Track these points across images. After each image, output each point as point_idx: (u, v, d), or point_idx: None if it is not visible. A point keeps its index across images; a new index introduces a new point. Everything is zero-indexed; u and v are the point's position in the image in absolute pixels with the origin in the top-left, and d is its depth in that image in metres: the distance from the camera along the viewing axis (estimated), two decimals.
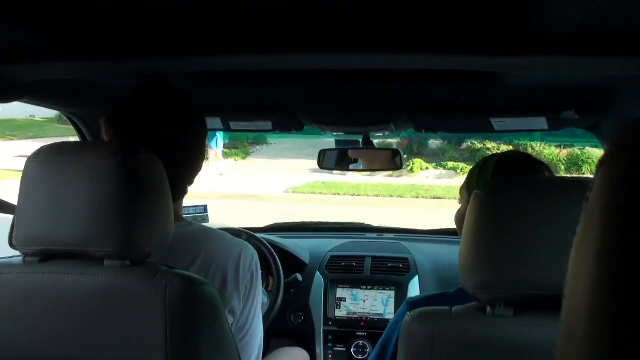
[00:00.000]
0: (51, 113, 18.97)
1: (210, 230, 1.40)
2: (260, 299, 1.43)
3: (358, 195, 13.16)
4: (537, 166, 1.41)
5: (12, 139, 18.51)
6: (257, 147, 19.13)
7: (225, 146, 17.78)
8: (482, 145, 15.51)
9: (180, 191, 1.38)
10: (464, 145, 16.59)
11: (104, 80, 1.57)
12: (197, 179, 1.43)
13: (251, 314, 1.38)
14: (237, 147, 18.46)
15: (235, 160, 17.60)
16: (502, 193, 1.03)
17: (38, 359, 1.08)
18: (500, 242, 1.01)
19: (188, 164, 1.38)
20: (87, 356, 1.06)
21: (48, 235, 1.07)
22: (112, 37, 1.22)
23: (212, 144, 14.91)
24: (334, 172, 14.92)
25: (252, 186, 13.43)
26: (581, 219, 0.38)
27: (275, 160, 16.74)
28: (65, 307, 1.07)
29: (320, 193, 13.20)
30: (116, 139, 1.34)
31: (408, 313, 1.09)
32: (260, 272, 1.41)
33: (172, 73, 1.53)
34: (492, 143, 15.08)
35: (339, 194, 13.17)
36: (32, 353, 1.08)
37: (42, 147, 1.13)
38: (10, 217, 1.96)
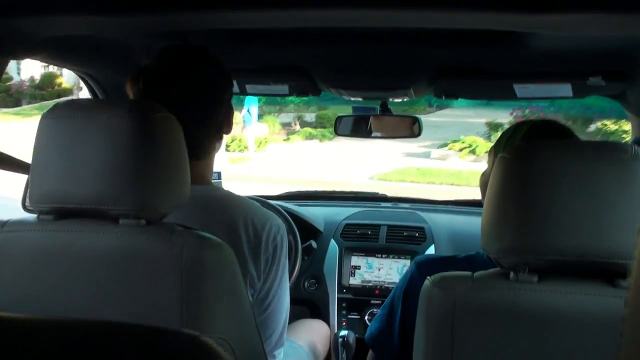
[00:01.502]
0: None
1: (239, 198, 1.38)
2: (286, 274, 1.40)
3: (459, 185, 10.75)
4: (568, 136, 1.37)
5: None
6: None
7: (310, 124, 16.99)
8: (617, 127, 12.74)
9: (203, 150, 1.35)
10: (593, 127, 13.77)
11: (121, 38, 1.54)
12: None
13: (273, 288, 1.36)
14: (324, 126, 16.46)
15: (321, 141, 15.89)
16: (528, 156, 0.99)
17: (51, 314, 1.07)
18: (525, 206, 0.98)
19: (210, 121, 1.36)
20: (100, 315, 1.05)
21: (63, 192, 1.06)
22: None
23: (245, 118, 14.46)
24: (432, 157, 13.18)
25: (331, 171, 11.79)
26: None
27: (366, 142, 14.45)
28: (80, 265, 1.06)
29: (411, 181, 11.10)
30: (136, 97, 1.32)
31: (428, 278, 1.07)
32: (286, 245, 1.38)
33: (189, 32, 1.50)
34: (628, 124, 13.46)
35: (434, 183, 11.05)
36: (45, 311, 1.07)
37: (58, 103, 1.11)
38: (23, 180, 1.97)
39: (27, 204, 2.05)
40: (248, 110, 14.46)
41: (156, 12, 1.23)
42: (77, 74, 1.94)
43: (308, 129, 16.71)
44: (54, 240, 1.08)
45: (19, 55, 1.43)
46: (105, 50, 1.73)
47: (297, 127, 17.18)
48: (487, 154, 1.51)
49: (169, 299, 1.02)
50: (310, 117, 17.85)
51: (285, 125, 17.38)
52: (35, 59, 1.54)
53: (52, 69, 22.41)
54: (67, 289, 1.07)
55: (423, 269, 1.33)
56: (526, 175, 0.98)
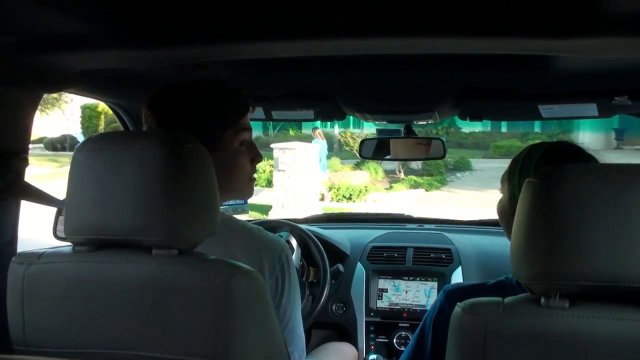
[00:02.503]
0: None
1: (241, 223, 1.39)
2: (297, 292, 1.40)
3: None
4: (585, 158, 1.36)
5: None
6: (458, 175, 16.80)
7: (416, 172, 16.20)
8: None
9: None
10: None
11: (150, 69, 1.57)
12: None
13: (289, 305, 1.36)
14: (431, 174, 15.89)
15: (427, 190, 15.07)
16: (557, 180, 0.99)
17: (86, 347, 1.08)
18: (556, 231, 0.97)
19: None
20: (135, 345, 1.06)
21: (97, 224, 1.08)
22: (158, 25, 1.22)
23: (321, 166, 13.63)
24: None
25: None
26: None
27: (478, 192, 13.29)
28: (114, 296, 1.07)
29: None
30: (155, 125, 1.36)
31: (458, 304, 1.06)
32: (292, 263, 1.38)
33: (216, 62, 1.53)
34: None
35: None
36: (79, 342, 1.08)
37: (90, 137, 1.13)
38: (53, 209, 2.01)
39: (57, 232, 2.09)
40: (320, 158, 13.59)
41: (182, 45, 1.26)
42: (109, 105, 1.98)
43: (413, 177, 16.04)
44: (88, 271, 1.09)
45: (53, 89, 1.47)
46: (135, 82, 1.77)
47: (402, 175, 16.33)
48: None
49: (202, 329, 1.03)
50: (417, 164, 16.73)
51: (389, 173, 16.67)
52: (69, 92, 1.58)
53: None
54: (101, 319, 1.08)
55: (452, 297, 1.33)
56: (555, 199, 0.98)
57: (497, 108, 2.03)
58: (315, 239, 2.37)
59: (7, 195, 1.44)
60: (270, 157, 12.22)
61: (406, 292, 2.49)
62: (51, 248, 1.18)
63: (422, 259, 2.55)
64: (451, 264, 2.50)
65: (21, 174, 1.45)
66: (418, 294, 2.48)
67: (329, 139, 18.64)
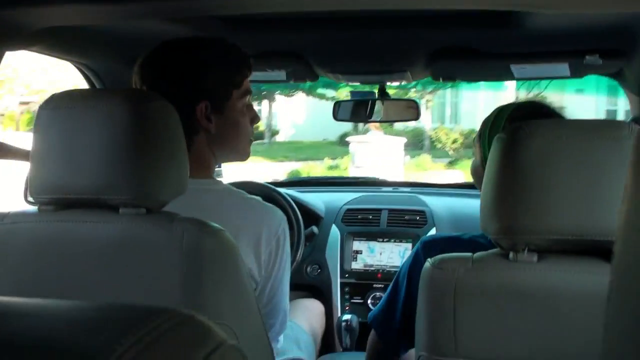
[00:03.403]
0: (330, 134, 17.70)
1: (237, 193, 1.36)
2: (288, 264, 1.40)
3: None
4: (554, 115, 1.36)
5: (282, 161, 16.45)
6: None
7: None
8: None
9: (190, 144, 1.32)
10: None
11: (116, 27, 1.54)
12: None
13: (277, 279, 1.36)
14: None
15: None
16: (525, 136, 0.99)
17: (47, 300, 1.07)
18: (523, 186, 0.98)
19: (190, 116, 1.32)
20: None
21: (62, 183, 1.06)
22: None
23: None
24: None
25: None
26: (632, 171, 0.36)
27: None
28: (81, 255, 1.06)
29: None
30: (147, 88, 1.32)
31: (428, 260, 1.07)
32: (287, 237, 1.37)
33: (183, 20, 1.50)
34: None
35: None
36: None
37: (54, 95, 1.11)
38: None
39: (27, 197, 2.06)
40: None
41: None
42: (74, 65, 1.93)
43: None
44: (54, 231, 1.08)
45: (15, 46, 1.42)
46: (101, 40, 1.73)
47: None
48: None
49: (170, 286, 1.02)
50: None
51: None
52: (32, 51, 1.54)
53: None
54: (68, 278, 1.07)
55: (428, 248, 1.34)
56: (523, 155, 0.98)
57: (470, 68, 2.02)
58: (291, 202, 2.36)
59: None
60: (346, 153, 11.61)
61: (380, 254, 2.51)
62: (16, 209, 1.16)
63: (397, 221, 2.57)
64: (425, 225, 2.52)
65: None
66: (392, 255, 2.50)
67: (418, 135, 17.96)
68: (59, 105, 1.08)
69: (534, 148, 0.98)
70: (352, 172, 10.71)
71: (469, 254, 1.05)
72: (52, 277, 1.07)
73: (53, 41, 1.56)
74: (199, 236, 1.03)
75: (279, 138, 21.93)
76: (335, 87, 11.31)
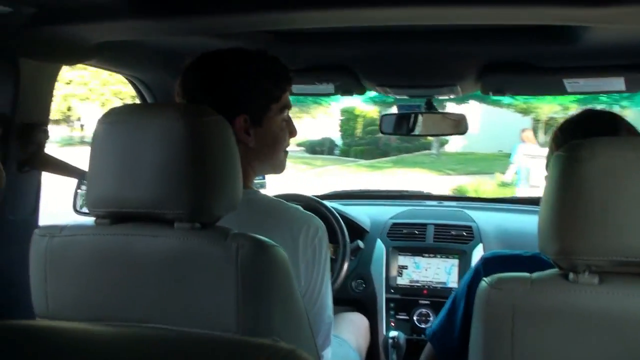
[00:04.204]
0: (506, 145, 15.56)
1: (277, 201, 1.36)
2: (328, 274, 1.38)
3: None
4: (623, 126, 1.32)
5: (449, 174, 15.82)
6: None
7: None
8: None
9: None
10: None
11: (167, 41, 1.56)
12: None
13: (316, 289, 1.34)
14: None
15: None
16: (586, 154, 0.96)
17: (108, 320, 1.08)
18: (585, 206, 0.95)
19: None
20: (157, 318, 1.06)
21: (119, 197, 1.07)
22: None
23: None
24: None
25: None
26: None
27: None
28: (136, 269, 1.07)
29: None
30: (185, 100, 1.33)
31: (484, 279, 1.05)
32: (325, 246, 1.36)
33: (236, 34, 1.51)
34: None
35: None
36: (102, 314, 1.08)
37: (112, 109, 1.12)
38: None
39: (77, 206, 2.10)
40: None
41: (202, 14, 1.25)
42: (126, 78, 1.97)
43: None
44: (110, 244, 1.09)
45: (71, 61, 1.46)
46: (153, 54, 1.75)
47: None
48: None
49: (225, 301, 1.02)
50: None
51: None
52: (87, 64, 1.57)
53: None
54: (123, 292, 1.08)
55: (489, 264, 1.33)
56: (583, 173, 0.95)
57: (521, 82, 1.99)
58: (336, 215, 2.35)
59: (29, 167, 1.44)
60: None
61: (426, 269, 2.48)
62: (73, 221, 1.18)
63: (443, 236, 2.54)
64: (472, 241, 2.48)
65: (42, 145, 1.45)
66: (438, 271, 2.46)
67: None
68: (116, 120, 1.09)
69: (594, 167, 0.95)
70: (525, 192, 8.74)
71: (528, 274, 1.02)
72: (108, 290, 1.08)
73: (107, 55, 1.59)
74: (253, 252, 1.03)
75: (448, 148, 21.31)
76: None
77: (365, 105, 18.53)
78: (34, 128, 1.41)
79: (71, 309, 1.10)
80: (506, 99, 12.11)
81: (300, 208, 1.36)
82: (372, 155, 20.76)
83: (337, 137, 23.59)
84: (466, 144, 20.36)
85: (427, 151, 20.44)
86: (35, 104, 1.42)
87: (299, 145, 22.53)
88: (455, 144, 21.05)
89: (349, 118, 22.82)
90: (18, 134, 1.39)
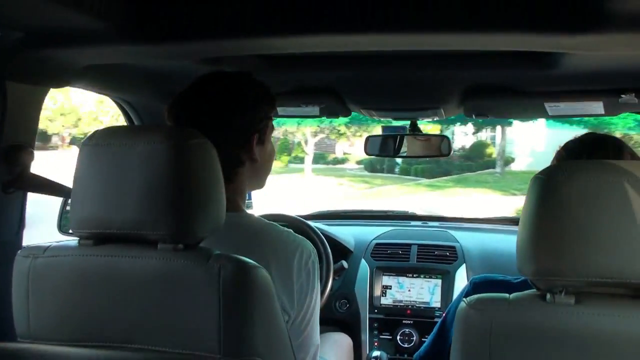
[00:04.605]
0: None
1: (268, 225, 1.38)
2: (318, 299, 1.40)
3: None
4: (627, 152, 1.33)
5: (514, 194, 15.35)
6: None
7: None
8: None
9: (229, 173, 1.33)
10: None
11: (156, 65, 1.58)
12: None
13: (309, 312, 1.36)
14: None
15: None
16: (562, 177, 0.99)
17: (91, 341, 1.08)
18: (560, 228, 0.97)
19: (228, 146, 1.33)
20: (140, 339, 1.06)
21: (102, 218, 1.08)
22: (164, 20, 1.22)
23: None
24: None
25: None
26: None
27: None
28: (119, 290, 1.07)
29: None
30: (174, 124, 1.35)
31: (464, 299, 1.07)
32: (317, 271, 1.38)
33: (222, 58, 1.53)
34: None
35: None
36: (85, 335, 1.08)
37: (95, 131, 1.13)
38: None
39: (61, 226, 2.10)
40: None
41: (191, 39, 1.26)
42: (113, 100, 1.98)
43: None
44: (93, 265, 1.09)
45: (59, 84, 1.47)
46: (140, 77, 1.77)
47: None
48: None
49: (208, 322, 1.03)
50: None
51: None
52: (76, 87, 1.58)
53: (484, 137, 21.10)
54: (106, 312, 1.08)
55: (478, 289, 1.33)
56: (561, 196, 0.98)
57: (503, 105, 2.03)
58: (320, 235, 2.36)
59: (15, 188, 1.44)
60: None
61: (410, 289, 2.49)
62: (57, 242, 1.18)
63: (426, 256, 2.55)
64: (455, 261, 2.51)
65: (27, 166, 1.45)
66: (422, 291, 2.48)
67: None
68: (99, 142, 1.10)
69: (570, 189, 0.97)
70: None
71: (506, 294, 1.04)
72: (92, 311, 1.09)
73: (94, 77, 1.60)
74: (235, 272, 1.04)
75: (514, 167, 20.81)
76: None
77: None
78: (19, 150, 1.42)
79: (53, 330, 1.11)
80: None
81: (292, 232, 1.38)
82: (433, 173, 20.35)
83: None
84: (531, 162, 19.88)
85: (490, 170, 20.04)
86: (21, 126, 1.43)
87: (358, 163, 22.25)
88: (520, 162, 20.63)
89: None
90: (3, 155, 1.39)
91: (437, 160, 20.60)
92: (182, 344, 1.04)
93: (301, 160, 22.48)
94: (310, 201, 11.73)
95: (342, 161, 24.36)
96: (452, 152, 2.42)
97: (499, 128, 18.76)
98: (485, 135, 22.06)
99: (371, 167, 22.23)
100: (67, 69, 1.39)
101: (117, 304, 1.07)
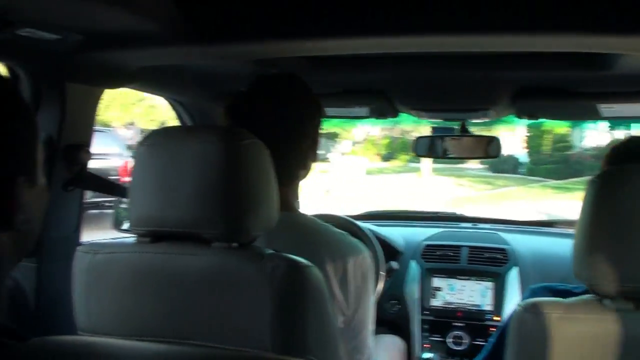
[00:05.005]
0: None
1: (322, 226, 1.39)
2: (372, 301, 1.40)
3: None
4: None
5: None
6: None
7: None
8: None
9: (285, 176, 1.35)
10: None
11: (209, 66, 1.60)
12: None
13: (364, 315, 1.36)
14: None
15: None
16: (618, 181, 0.97)
17: (147, 336, 1.11)
18: (617, 232, 0.95)
19: (293, 149, 1.37)
20: (194, 335, 1.08)
21: (159, 216, 1.10)
22: (217, 23, 1.24)
23: None
24: None
25: None
26: None
27: None
28: (174, 286, 1.09)
29: None
30: (233, 123, 1.37)
31: (519, 303, 1.05)
32: (372, 272, 1.38)
33: (273, 59, 1.54)
34: None
35: None
36: (141, 330, 1.11)
37: (152, 131, 1.16)
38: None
39: (117, 225, 2.15)
40: None
41: (242, 41, 1.28)
42: (167, 100, 2.02)
43: None
44: (150, 262, 1.12)
45: (114, 85, 1.51)
46: (192, 78, 1.80)
47: None
48: None
49: (260, 320, 1.04)
50: None
51: None
52: (130, 88, 1.62)
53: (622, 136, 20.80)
54: (162, 309, 1.10)
55: (538, 297, 1.30)
56: (617, 199, 0.96)
57: (555, 107, 1.99)
58: (371, 236, 2.36)
59: (74, 186, 1.49)
60: None
61: (461, 292, 2.47)
62: (115, 239, 1.22)
63: (477, 258, 2.52)
64: (507, 264, 2.47)
65: (85, 165, 1.50)
66: (473, 293, 2.45)
67: None
68: (155, 142, 1.13)
69: (628, 193, 0.95)
70: None
71: (562, 299, 1.02)
72: (148, 307, 1.11)
73: (148, 78, 1.64)
74: (287, 271, 1.05)
75: None
76: None
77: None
78: (78, 149, 1.46)
79: (112, 324, 1.13)
80: None
81: (347, 234, 1.39)
82: (562, 174, 19.37)
83: (521, 154, 22.31)
84: None
85: None
86: (79, 126, 1.47)
87: (482, 162, 21.27)
88: None
89: (535, 134, 21.47)
90: (63, 155, 1.44)
91: (566, 161, 20.25)
92: (234, 339, 1.05)
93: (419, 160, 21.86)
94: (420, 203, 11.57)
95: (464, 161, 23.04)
96: (500, 153, 2.38)
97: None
98: (622, 133, 21.23)
99: (495, 168, 21.43)
100: (122, 71, 1.43)
101: (173, 300, 1.09)
